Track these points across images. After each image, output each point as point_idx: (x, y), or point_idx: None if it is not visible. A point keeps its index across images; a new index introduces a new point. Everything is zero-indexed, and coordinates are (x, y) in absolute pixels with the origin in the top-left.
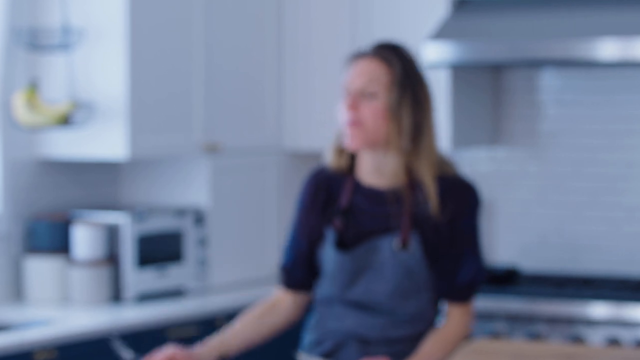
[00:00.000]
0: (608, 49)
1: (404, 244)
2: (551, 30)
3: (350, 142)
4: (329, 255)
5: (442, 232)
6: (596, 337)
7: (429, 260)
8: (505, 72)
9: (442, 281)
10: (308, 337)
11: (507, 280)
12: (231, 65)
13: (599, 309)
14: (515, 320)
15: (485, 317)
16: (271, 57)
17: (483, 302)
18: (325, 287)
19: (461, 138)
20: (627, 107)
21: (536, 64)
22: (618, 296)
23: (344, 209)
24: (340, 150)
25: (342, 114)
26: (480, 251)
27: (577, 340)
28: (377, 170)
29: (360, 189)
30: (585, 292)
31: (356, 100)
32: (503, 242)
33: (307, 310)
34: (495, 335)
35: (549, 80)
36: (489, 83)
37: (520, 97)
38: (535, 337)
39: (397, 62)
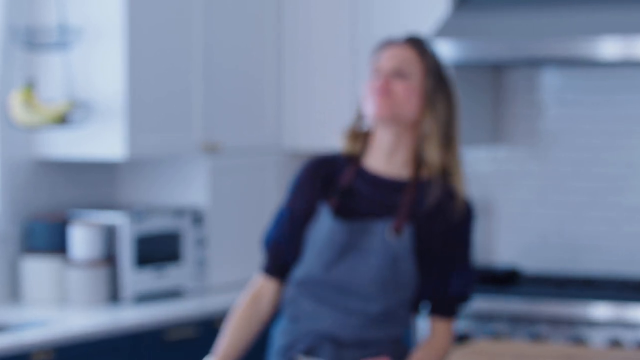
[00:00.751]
0: (610, 48)
1: (397, 231)
2: (552, 29)
3: (377, 110)
4: (323, 225)
5: (437, 237)
6: (597, 338)
7: (417, 258)
8: (506, 72)
9: (431, 291)
10: (278, 341)
11: (508, 280)
12: (230, 64)
13: (600, 310)
14: (516, 321)
15: (486, 317)
16: (271, 56)
17: (483, 303)
18: (306, 266)
19: (462, 137)
20: (628, 107)
21: (537, 63)
22: (619, 297)
23: (342, 188)
24: (355, 135)
25: (369, 88)
26: (472, 271)
27: (578, 341)
28: (388, 156)
29: (363, 174)
30: (586, 292)
31: (389, 78)
32: (503, 243)
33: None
34: (495, 336)
35: (549, 80)
36: (489, 82)
37: (521, 97)
38: (536, 338)
39: (431, 55)
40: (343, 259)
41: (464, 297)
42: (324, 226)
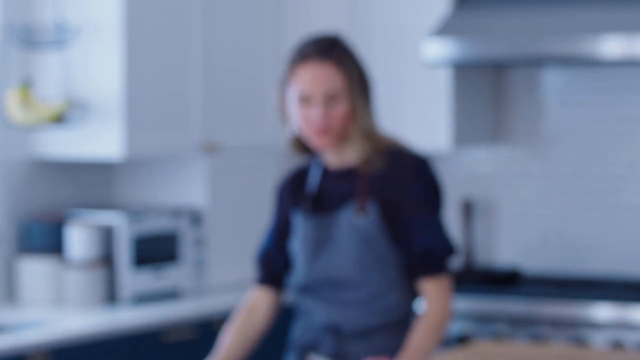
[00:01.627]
0: (612, 46)
1: (362, 209)
2: (554, 28)
3: (321, 145)
4: (298, 229)
5: (398, 202)
6: (599, 339)
7: (390, 230)
8: (507, 71)
9: (400, 252)
10: (293, 335)
11: (509, 281)
12: (230, 63)
13: (603, 311)
14: (517, 323)
15: (487, 319)
16: (270, 54)
17: (484, 304)
18: (296, 271)
19: (463, 137)
20: (630, 106)
21: (538, 62)
22: (621, 298)
23: (311, 193)
24: (300, 143)
25: (304, 120)
26: (437, 222)
27: (580, 342)
28: (337, 155)
29: (326, 172)
30: (587, 293)
31: (323, 110)
32: (504, 243)
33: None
34: (496, 337)
35: (551, 80)
36: (490, 82)
37: (521, 97)
38: (537, 339)
39: (349, 62)
40: (321, 253)
41: (434, 250)
42: (299, 229)
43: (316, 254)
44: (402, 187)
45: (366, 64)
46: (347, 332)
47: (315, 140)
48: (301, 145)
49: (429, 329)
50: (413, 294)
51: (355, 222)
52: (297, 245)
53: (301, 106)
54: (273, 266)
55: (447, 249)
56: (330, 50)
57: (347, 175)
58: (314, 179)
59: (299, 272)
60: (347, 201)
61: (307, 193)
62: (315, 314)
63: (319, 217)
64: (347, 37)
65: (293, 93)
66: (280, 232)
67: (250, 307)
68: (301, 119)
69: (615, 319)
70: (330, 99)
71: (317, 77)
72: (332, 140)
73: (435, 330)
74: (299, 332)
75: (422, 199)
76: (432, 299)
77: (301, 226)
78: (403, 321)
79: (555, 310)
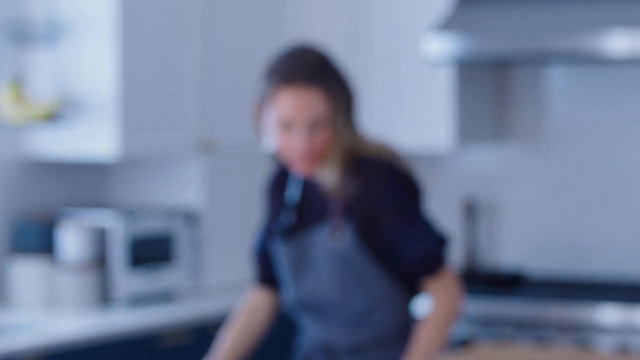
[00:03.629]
0: (618, 43)
1: (337, 232)
2: (559, 24)
3: (303, 172)
4: (277, 249)
5: (371, 217)
6: (605, 343)
7: (368, 248)
8: (511, 68)
9: (387, 267)
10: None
11: (512, 283)
12: (228, 60)
13: (608, 314)
14: (520, 326)
15: (489, 322)
16: (269, 51)
17: (486, 307)
18: (286, 290)
19: (465, 136)
20: (635, 105)
21: (543, 59)
22: (628, 300)
23: (289, 205)
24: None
25: (285, 146)
26: (419, 226)
27: (585, 346)
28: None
29: (307, 183)
30: (593, 295)
31: (306, 137)
32: (507, 244)
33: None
34: (499, 341)
35: (555, 77)
36: (493, 79)
37: (525, 95)
38: (541, 343)
39: (337, 86)
40: (302, 275)
41: (430, 255)
42: (278, 250)
43: (298, 275)
44: (376, 202)
45: (351, 78)
46: (339, 349)
47: (296, 166)
48: (280, 159)
49: (433, 329)
50: (408, 302)
51: (332, 245)
52: (279, 265)
53: (282, 131)
54: (268, 267)
55: (441, 246)
56: (319, 74)
57: (323, 190)
58: (294, 188)
59: (288, 290)
60: (321, 219)
61: (288, 203)
62: (309, 331)
63: (296, 238)
64: (351, 34)
65: (273, 115)
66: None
67: (250, 307)
68: (281, 143)
69: (621, 322)
70: (313, 126)
71: (302, 104)
72: (314, 166)
73: (440, 330)
74: (299, 347)
75: (398, 209)
76: (436, 298)
77: (280, 248)
78: (399, 335)
79: (560, 313)
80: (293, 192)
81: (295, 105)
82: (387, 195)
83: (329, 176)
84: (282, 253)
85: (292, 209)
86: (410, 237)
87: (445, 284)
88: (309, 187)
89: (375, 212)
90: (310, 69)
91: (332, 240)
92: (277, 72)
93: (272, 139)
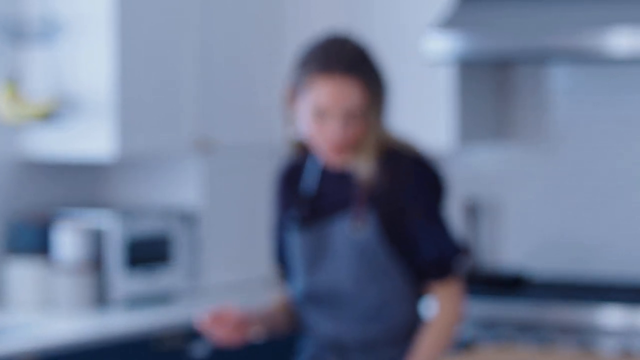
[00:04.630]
0: (622, 41)
1: (359, 223)
2: (562, 22)
3: (333, 162)
4: (292, 239)
5: (397, 209)
6: (608, 345)
7: (389, 240)
8: (513, 67)
9: (404, 261)
10: (300, 352)
11: (514, 285)
12: (226, 58)
13: (612, 316)
14: (522, 328)
15: (490, 324)
16: (268, 49)
17: (488, 309)
18: (296, 282)
19: (467, 136)
20: (639, 105)
21: (546, 57)
22: (631, 302)
23: (306, 195)
24: (302, 146)
25: (318, 134)
26: (443, 227)
27: (588, 349)
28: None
29: (325, 173)
30: (596, 297)
31: (341, 128)
32: (509, 245)
33: None
34: (501, 343)
35: (558, 76)
36: (495, 78)
37: (528, 94)
38: (543, 345)
39: (374, 78)
40: (318, 266)
41: (444, 258)
42: (293, 241)
43: (313, 267)
44: (402, 195)
45: (386, 72)
46: (350, 346)
47: (328, 156)
48: (302, 148)
49: (437, 334)
50: (418, 301)
51: (352, 235)
52: (293, 255)
53: (315, 119)
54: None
55: (456, 252)
56: (357, 65)
57: (346, 178)
58: (311, 179)
59: (299, 283)
60: (343, 209)
61: (303, 194)
62: (318, 328)
63: (314, 227)
64: (351, 31)
65: (308, 102)
66: (282, 233)
67: (282, 304)
68: (314, 131)
69: (624, 325)
70: (347, 116)
71: (339, 93)
72: (342, 156)
73: (444, 335)
74: (304, 347)
75: (424, 205)
76: (442, 303)
77: (296, 236)
78: (408, 332)
79: (562, 315)
80: (310, 183)
81: (332, 94)
82: (416, 190)
83: (364, 166)
84: (297, 243)
85: (308, 200)
86: (430, 234)
87: (452, 292)
88: (328, 178)
89: (402, 204)
90: (349, 59)
91: (353, 231)
92: (315, 60)
93: (303, 127)
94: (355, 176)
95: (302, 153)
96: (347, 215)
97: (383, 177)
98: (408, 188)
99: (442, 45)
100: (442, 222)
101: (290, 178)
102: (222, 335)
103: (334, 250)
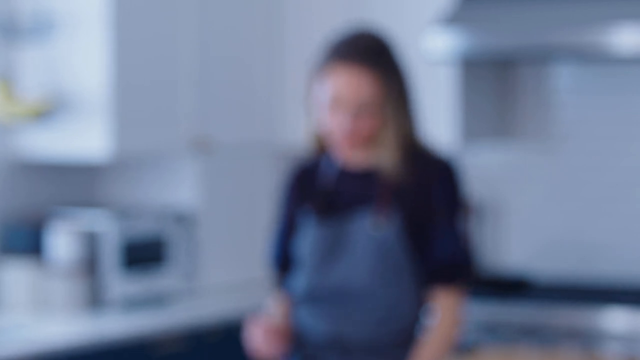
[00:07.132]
0: (627, 39)
1: (381, 217)
2: (566, 19)
3: (347, 154)
4: (307, 233)
5: (421, 209)
6: (613, 349)
7: (410, 238)
8: (517, 67)
9: (419, 260)
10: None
11: (517, 287)
12: (223, 56)
13: (617, 319)
14: (526, 331)
15: (493, 328)
16: (266, 47)
17: (491, 311)
18: (304, 278)
19: (469, 135)
20: None
21: (550, 55)
22: (636, 305)
23: (323, 191)
24: (320, 138)
25: (332, 123)
26: (459, 232)
27: (592, 352)
28: (361, 155)
29: (345, 174)
30: (600, 300)
31: (355, 119)
32: (513, 247)
33: None
34: (504, 346)
35: (562, 74)
36: (498, 76)
37: (532, 93)
38: (547, 349)
39: (393, 72)
40: (332, 261)
41: (457, 261)
42: (308, 235)
43: (327, 261)
44: (428, 195)
45: (408, 69)
46: (353, 346)
47: (340, 148)
48: (321, 142)
49: (438, 340)
50: (422, 306)
51: (373, 232)
52: (305, 250)
53: (330, 109)
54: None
55: (467, 261)
56: (374, 57)
57: (366, 177)
58: (327, 178)
59: (304, 278)
60: (363, 205)
61: (320, 190)
62: (317, 327)
63: (333, 221)
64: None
65: (325, 92)
66: (290, 233)
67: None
68: (328, 122)
69: (630, 328)
70: (359, 107)
71: (352, 82)
72: (354, 149)
73: (445, 341)
74: (299, 347)
75: (448, 207)
76: (445, 309)
77: (312, 230)
78: (411, 336)
79: (567, 318)
80: (326, 180)
81: (345, 82)
82: (443, 191)
83: (388, 162)
84: (312, 238)
85: (325, 194)
86: (448, 236)
87: (454, 301)
88: (346, 176)
89: (427, 204)
90: (366, 51)
91: (374, 228)
92: (335, 50)
93: (320, 118)
94: (378, 173)
95: (320, 149)
96: (368, 211)
97: (409, 175)
98: (435, 188)
99: (445, 44)
100: (461, 229)
101: (304, 176)
102: (271, 349)
103: (352, 246)
